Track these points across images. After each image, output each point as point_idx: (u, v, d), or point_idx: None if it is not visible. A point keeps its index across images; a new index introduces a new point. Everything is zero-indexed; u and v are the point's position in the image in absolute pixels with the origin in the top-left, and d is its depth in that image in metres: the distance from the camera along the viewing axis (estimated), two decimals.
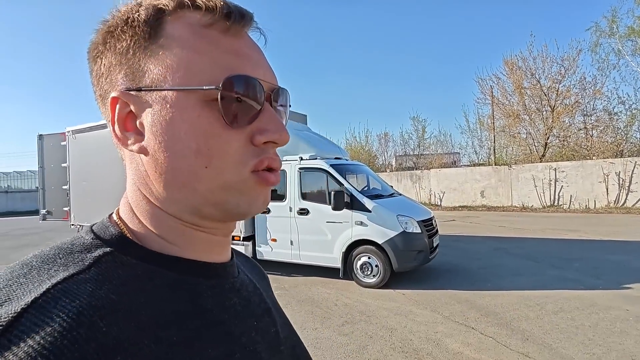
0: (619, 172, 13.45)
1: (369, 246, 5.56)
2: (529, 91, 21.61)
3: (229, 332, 0.39)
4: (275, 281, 6.08)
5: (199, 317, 0.37)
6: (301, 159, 6.20)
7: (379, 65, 60.20)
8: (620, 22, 19.77)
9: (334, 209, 5.59)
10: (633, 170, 13.19)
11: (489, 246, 8.31)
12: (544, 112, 21.16)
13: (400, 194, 6.76)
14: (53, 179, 9.56)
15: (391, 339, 3.77)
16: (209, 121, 0.36)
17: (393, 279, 5.53)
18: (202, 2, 0.38)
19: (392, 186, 7.17)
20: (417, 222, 5.58)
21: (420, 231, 5.55)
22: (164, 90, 0.36)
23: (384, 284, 5.46)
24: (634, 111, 19.21)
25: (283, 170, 6.30)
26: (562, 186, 14.67)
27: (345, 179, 5.86)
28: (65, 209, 9.30)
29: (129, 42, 0.38)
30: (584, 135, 19.94)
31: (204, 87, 0.36)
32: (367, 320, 4.29)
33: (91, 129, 8.57)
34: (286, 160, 6.30)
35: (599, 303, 4.49)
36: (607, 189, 13.58)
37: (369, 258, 5.55)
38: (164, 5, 0.38)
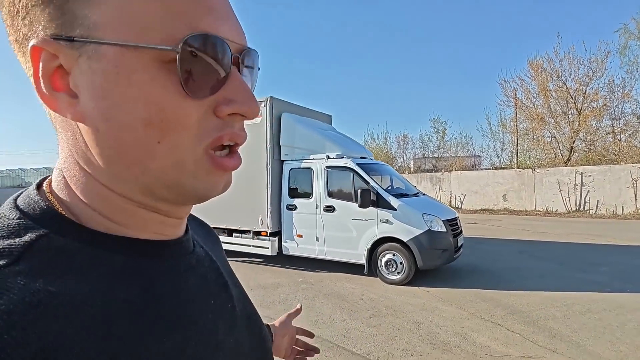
0: None
1: (393, 243, 5.67)
2: (555, 93, 21.16)
3: (185, 316, 0.36)
4: (301, 276, 6.27)
5: (153, 305, 0.33)
6: (328, 157, 6.37)
7: (398, 67, 59.95)
8: None
9: (361, 206, 5.73)
10: None
11: (512, 249, 8.27)
12: (570, 115, 20.70)
13: (424, 194, 6.84)
14: None
15: (418, 332, 3.89)
16: (164, 87, 0.31)
17: (417, 277, 5.63)
18: None
19: (415, 186, 7.26)
20: (442, 221, 5.66)
21: (445, 230, 5.63)
22: (106, 43, 0.29)
23: (408, 281, 5.57)
24: None
25: (309, 168, 6.50)
26: (588, 191, 14.34)
27: (371, 177, 6.00)
28: None
29: None
30: (611, 140, 19.42)
31: (159, 47, 0.30)
32: (393, 314, 4.41)
33: None
34: (313, 159, 6.49)
35: (626, 305, 4.48)
36: (635, 195, 13.21)
37: (394, 255, 5.67)
38: None
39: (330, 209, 6.24)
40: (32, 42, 0.30)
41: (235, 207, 6.85)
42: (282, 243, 6.79)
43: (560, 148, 21.15)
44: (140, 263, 0.35)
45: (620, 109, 19.65)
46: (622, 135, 19.35)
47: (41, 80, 0.31)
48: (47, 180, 0.37)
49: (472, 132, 45.35)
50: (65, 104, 0.31)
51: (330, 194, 6.30)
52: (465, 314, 4.39)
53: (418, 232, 5.49)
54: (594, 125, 19.83)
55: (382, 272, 5.76)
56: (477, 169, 23.39)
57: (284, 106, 7.09)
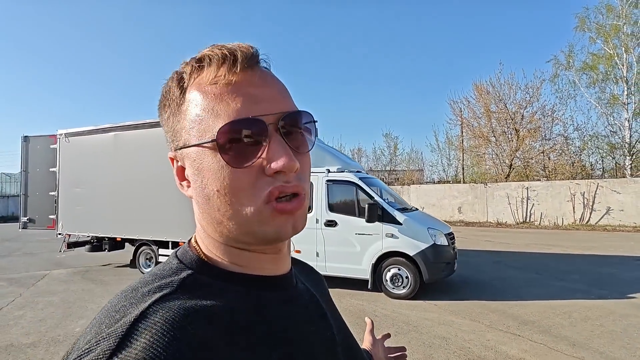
0: (584, 192, 14.76)
1: (399, 258, 5.71)
2: (497, 115, 23.19)
3: (289, 337, 0.45)
4: None
5: (264, 325, 0.43)
6: (328, 171, 6.29)
7: (353, 80, 61.86)
8: (575, 57, 22.02)
9: (368, 221, 5.71)
10: (596, 191, 14.53)
11: (487, 259, 8.77)
12: (509, 135, 22.79)
13: (417, 208, 7.01)
14: (38, 184, 8.87)
15: (450, 347, 3.91)
16: (221, 166, 0.42)
17: (418, 291, 5.71)
18: (205, 60, 0.44)
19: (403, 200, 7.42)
20: (445, 234, 5.83)
21: (447, 244, 5.81)
22: (188, 147, 0.44)
23: (413, 296, 5.62)
24: (585, 138, 21.36)
25: (310, 182, 6.35)
26: (533, 204, 15.80)
27: (374, 192, 6.01)
28: (52, 216, 8.63)
29: (168, 112, 0.47)
30: (545, 158, 21.67)
31: (208, 141, 0.42)
32: (416, 330, 4.40)
33: (90, 132, 8.11)
34: (313, 173, 6.34)
35: (616, 311, 4.93)
36: (573, 208, 14.81)
37: (399, 270, 5.70)
38: (184, 72, 0.46)
39: (332, 223, 6.13)
40: (169, 155, 0.49)
41: None
42: None
43: (501, 164, 23.12)
44: (254, 292, 0.46)
45: (550, 131, 22.15)
46: (551, 154, 21.75)
47: (176, 177, 0.48)
48: (194, 234, 0.51)
49: (421, 147, 47.82)
50: (186, 189, 0.48)
51: (332, 208, 6.21)
52: (482, 326, 4.52)
53: (424, 246, 5.60)
54: (529, 144, 22.01)
55: (387, 286, 5.76)
56: (435, 183, 24.63)
57: None
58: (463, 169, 25.43)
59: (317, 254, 6.20)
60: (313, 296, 0.54)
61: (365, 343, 0.93)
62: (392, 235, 5.74)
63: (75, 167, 8.22)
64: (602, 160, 22.39)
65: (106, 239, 8.28)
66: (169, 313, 0.37)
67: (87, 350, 0.34)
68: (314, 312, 0.52)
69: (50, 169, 8.61)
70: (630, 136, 18.93)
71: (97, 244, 8.50)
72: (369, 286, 5.84)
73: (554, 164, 20.58)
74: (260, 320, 0.43)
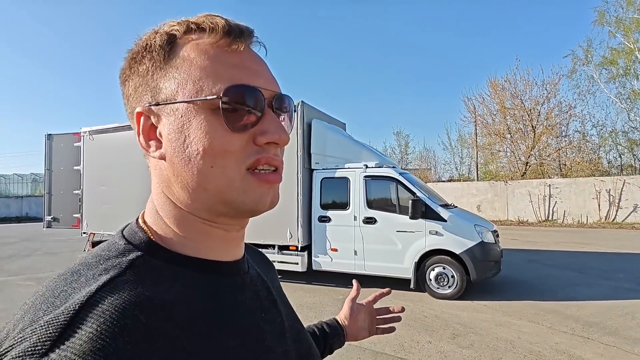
0: (609, 189, 14.38)
1: (443, 256, 5.48)
2: (512, 111, 22.79)
3: (242, 324, 0.44)
4: (338, 293, 5.84)
5: (219, 312, 0.42)
6: (366, 166, 6.06)
7: (365, 78, 61.48)
8: (594, 51, 21.56)
9: (412, 217, 5.48)
10: (622, 188, 14.15)
11: (520, 258, 8.49)
12: (526, 132, 22.38)
13: (455, 205, 6.76)
14: (62, 182, 8.75)
15: (518, 351, 3.68)
16: (213, 126, 0.41)
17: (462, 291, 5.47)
18: (206, 24, 0.43)
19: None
20: (491, 232, 5.59)
21: (494, 241, 5.56)
22: (176, 102, 0.42)
23: (459, 296, 5.39)
24: (604, 135, 20.93)
25: (345, 177, 6.15)
26: (555, 202, 15.44)
27: (416, 188, 5.78)
28: (76, 215, 8.51)
29: (148, 65, 0.43)
30: (562, 155, 21.24)
31: (208, 97, 0.41)
32: (475, 332, 4.17)
33: (115, 129, 7.97)
34: (349, 168, 6.16)
35: None
36: (599, 205, 14.44)
37: (444, 268, 5.47)
38: (175, 30, 0.44)
39: (370, 220, 5.91)
40: (137, 110, 0.44)
41: (257, 220, 6.14)
42: (313, 258, 6.31)
43: (517, 162, 22.72)
44: (209, 278, 0.44)
45: (568, 128, 21.71)
46: (569, 151, 21.31)
47: (141, 135, 0.44)
48: (142, 212, 0.48)
49: (433, 146, 46.96)
50: (154, 148, 0.44)
51: (370, 205, 5.98)
52: (544, 328, 4.27)
53: (471, 244, 5.35)
54: (546, 141, 21.59)
55: (431, 286, 5.53)
56: (454, 180, 24.29)
57: (313, 112, 6.70)
58: (477, 166, 25.06)
59: (355, 252, 5.99)
60: (264, 282, 0.54)
61: (340, 314, 0.91)
62: (437, 233, 5.51)
63: (100, 165, 8.09)
64: (621, 157, 21.99)
65: None
66: (118, 300, 0.35)
67: (20, 340, 0.31)
68: (266, 298, 0.51)
69: (74, 167, 8.49)
70: None
71: None
72: (412, 286, 5.61)
73: (572, 161, 20.15)
74: (216, 308, 0.42)
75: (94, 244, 8.51)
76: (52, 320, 0.32)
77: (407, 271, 5.66)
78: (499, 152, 23.75)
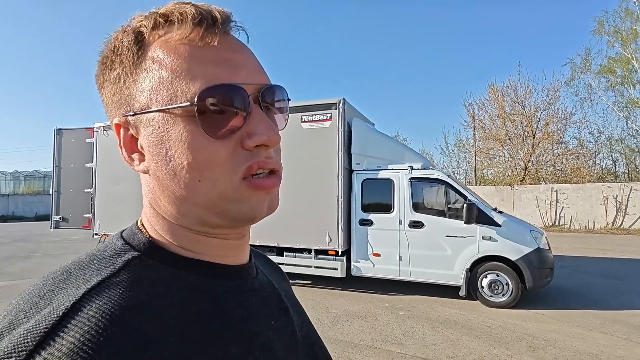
0: (616, 195, 14.51)
1: (497, 263, 5.24)
2: (512, 117, 22.98)
3: (248, 330, 0.40)
4: (383, 300, 5.55)
5: (220, 317, 0.38)
6: (412, 168, 5.80)
7: (359, 80, 61.48)
8: (593, 60, 21.94)
9: (467, 222, 5.23)
10: (629, 194, 14.29)
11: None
12: (525, 138, 22.58)
13: (501, 211, 6.55)
14: (72, 180, 8.22)
15: None
16: (194, 136, 0.37)
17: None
18: (175, 16, 0.38)
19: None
20: (545, 237, 5.39)
21: (548, 247, 5.36)
22: (151, 112, 0.38)
23: (513, 305, 5.16)
24: (602, 141, 21.30)
25: (389, 179, 5.88)
26: (562, 207, 15.51)
27: (468, 191, 5.55)
28: (87, 215, 8.00)
29: (118, 70, 0.39)
30: (561, 161, 21.49)
31: (182, 105, 0.36)
32: (552, 345, 3.93)
33: None
34: (393, 169, 5.88)
35: None
36: (606, 211, 14.55)
37: (497, 276, 5.23)
38: (143, 27, 0.39)
39: (417, 224, 5.64)
40: (114, 121, 0.40)
41: (292, 223, 5.94)
42: (352, 263, 6.00)
43: (516, 167, 22.89)
44: (209, 281, 0.40)
45: (564, 134, 21.98)
46: (569, 157, 21.58)
47: (122, 148, 0.41)
48: (140, 219, 0.45)
49: (431, 150, 46.81)
50: (137, 162, 0.40)
51: (416, 208, 5.71)
52: (621, 340, 4.06)
53: (527, 250, 5.13)
54: (546, 147, 21.82)
55: (484, 294, 5.28)
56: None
57: (353, 111, 6.41)
58: (475, 171, 25.17)
59: (400, 258, 5.70)
60: (275, 289, 0.49)
61: None
62: (490, 238, 5.27)
63: (116, 163, 7.59)
64: (614, 165, 22.39)
65: None
66: (107, 304, 0.32)
67: None
68: (275, 305, 0.47)
69: (86, 165, 7.99)
70: None
71: None
72: (463, 293, 5.35)
73: (571, 167, 20.38)
74: (216, 311, 0.38)
75: None
76: (30, 328, 0.29)
77: (457, 278, 5.40)
78: (497, 157, 23.93)
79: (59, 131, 8.32)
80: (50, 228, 8.40)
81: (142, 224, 0.43)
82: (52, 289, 0.34)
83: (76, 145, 8.18)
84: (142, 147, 0.39)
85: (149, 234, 0.42)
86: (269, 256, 0.63)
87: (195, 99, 0.36)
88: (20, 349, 0.28)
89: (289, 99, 0.45)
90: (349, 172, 6.13)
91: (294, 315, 0.49)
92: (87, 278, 0.35)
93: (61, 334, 0.29)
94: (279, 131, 0.42)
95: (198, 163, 0.37)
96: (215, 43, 0.38)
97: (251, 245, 0.50)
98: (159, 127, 0.37)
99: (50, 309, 0.31)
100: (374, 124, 8.16)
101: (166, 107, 0.37)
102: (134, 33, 0.39)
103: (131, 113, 0.39)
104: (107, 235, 7.88)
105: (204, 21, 0.38)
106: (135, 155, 0.41)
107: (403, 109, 51.25)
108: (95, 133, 7.86)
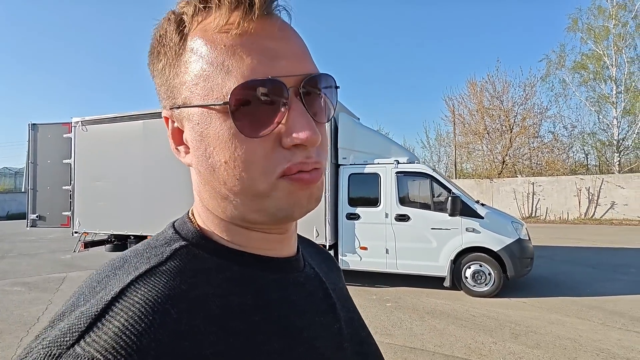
0: (589, 187, 15.12)
1: (480, 254, 5.40)
2: (490, 112, 23.53)
3: (291, 326, 0.39)
4: (371, 293, 5.64)
5: (262, 310, 0.38)
6: (398, 162, 5.88)
7: (349, 73, 61.29)
8: (567, 56, 22.68)
9: (451, 215, 5.35)
10: (601, 186, 14.92)
11: None
12: (503, 132, 23.20)
13: (483, 203, 6.73)
14: (49, 177, 7.92)
15: (588, 349, 3.62)
16: (231, 133, 0.36)
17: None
18: (213, 1, 0.36)
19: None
20: (525, 228, 5.59)
21: (528, 238, 5.56)
22: (191, 107, 0.37)
23: (496, 293, 5.34)
24: (575, 135, 22.14)
25: (375, 173, 5.94)
26: (539, 199, 16.05)
27: (451, 184, 5.67)
28: (66, 213, 7.74)
29: (163, 62, 0.39)
30: (540, 154, 22.22)
31: (217, 103, 0.35)
32: (534, 332, 4.10)
33: (113, 120, 7.30)
34: (379, 164, 5.95)
35: None
36: (579, 202, 15.15)
37: (480, 266, 5.40)
38: (184, 13, 0.38)
39: (403, 217, 5.73)
40: (163, 113, 0.41)
41: None
42: (339, 257, 6.06)
43: (494, 161, 23.51)
44: (253, 273, 0.40)
45: (539, 128, 22.72)
46: (543, 150, 22.33)
47: (171, 139, 0.41)
48: (191, 209, 0.45)
49: (413, 144, 47.32)
50: (183, 154, 0.41)
51: (402, 202, 5.81)
52: (598, 325, 4.27)
53: (509, 240, 5.31)
54: (523, 141, 22.49)
55: (467, 284, 5.44)
56: None
57: (339, 106, 6.42)
58: (455, 165, 25.72)
59: (387, 251, 5.79)
60: (322, 283, 0.47)
61: None
62: (474, 230, 5.42)
63: (96, 159, 7.39)
64: (586, 157, 23.33)
65: (132, 237, 7.49)
66: (151, 292, 0.33)
67: (55, 326, 0.31)
68: (322, 301, 0.45)
69: (64, 161, 7.72)
70: (619, 134, 19.65)
71: (119, 243, 7.70)
72: (447, 284, 5.49)
73: (546, 160, 21.10)
74: (259, 304, 0.38)
75: (87, 244, 7.80)
76: (85, 311, 0.31)
77: (442, 269, 5.54)
78: (476, 151, 24.51)
79: (34, 126, 8.00)
80: (27, 227, 8.09)
81: (192, 214, 0.44)
82: (109, 274, 0.36)
83: (53, 140, 7.88)
84: (187, 141, 0.40)
85: (197, 224, 0.42)
86: None
87: (229, 97, 0.34)
88: (74, 330, 0.29)
89: (337, 87, 0.42)
90: (336, 167, 6.16)
91: (342, 311, 0.47)
92: (137, 265, 0.36)
93: (109, 318, 0.30)
94: (325, 123, 0.40)
95: (235, 161, 0.36)
96: (253, 30, 0.36)
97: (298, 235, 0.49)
98: (198, 123, 0.37)
99: (103, 294, 0.32)
100: (359, 119, 8.20)
101: (204, 104, 0.36)
102: (176, 22, 0.38)
103: (176, 106, 0.38)
104: (87, 233, 7.68)
105: (242, 5, 0.35)
106: (181, 148, 0.41)
107: (384, 104, 51.69)
108: (72, 128, 7.59)
